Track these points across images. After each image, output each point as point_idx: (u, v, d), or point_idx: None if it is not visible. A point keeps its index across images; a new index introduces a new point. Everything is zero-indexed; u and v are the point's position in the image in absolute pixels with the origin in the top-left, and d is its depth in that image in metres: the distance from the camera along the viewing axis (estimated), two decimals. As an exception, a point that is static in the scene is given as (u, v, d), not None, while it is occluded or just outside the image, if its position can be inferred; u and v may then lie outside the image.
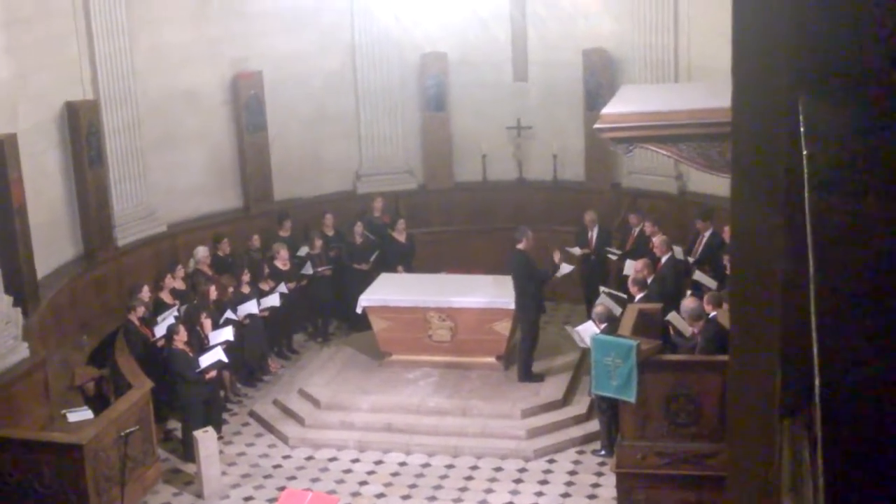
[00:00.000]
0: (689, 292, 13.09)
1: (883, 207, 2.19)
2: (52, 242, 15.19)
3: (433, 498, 12.49)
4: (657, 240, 14.34)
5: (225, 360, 13.50)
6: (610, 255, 15.83)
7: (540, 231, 15.45)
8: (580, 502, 12.26)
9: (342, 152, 18.84)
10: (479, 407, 13.84)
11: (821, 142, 2.33)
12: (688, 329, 11.69)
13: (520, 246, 14.10)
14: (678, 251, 14.53)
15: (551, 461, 13.08)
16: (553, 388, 14.10)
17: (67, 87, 15.60)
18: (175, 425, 14.09)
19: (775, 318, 3.08)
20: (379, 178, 18.78)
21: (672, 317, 12.06)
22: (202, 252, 16.01)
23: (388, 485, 12.77)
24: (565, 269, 14.84)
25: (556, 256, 14.68)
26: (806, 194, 2.28)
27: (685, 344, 11.73)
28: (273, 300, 15.41)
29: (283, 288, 15.67)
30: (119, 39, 16.12)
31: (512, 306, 14.19)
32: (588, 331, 12.58)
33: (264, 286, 15.58)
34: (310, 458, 13.50)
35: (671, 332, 12.07)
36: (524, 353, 14.27)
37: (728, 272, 12.75)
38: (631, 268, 14.02)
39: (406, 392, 14.30)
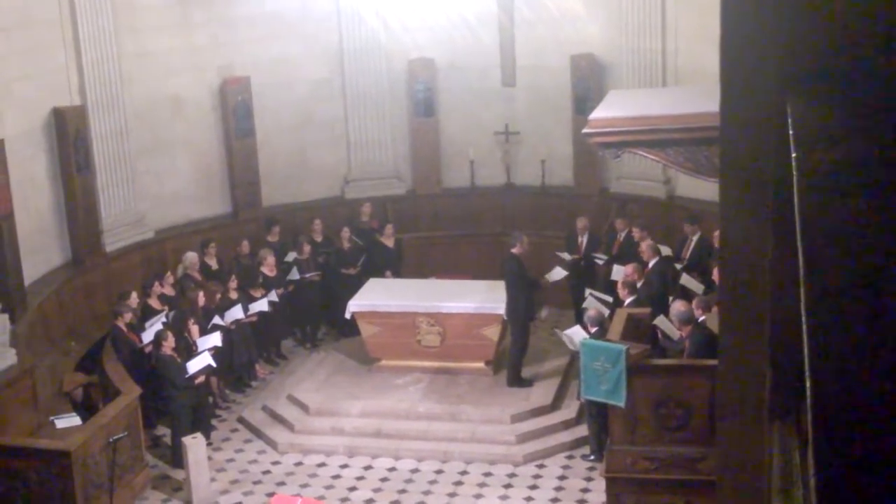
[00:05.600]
0: (671, 298, 13.11)
1: (872, 208, 2.19)
2: (39, 249, 15.15)
3: (422, 503, 12.48)
4: (645, 245, 14.36)
5: (213, 365, 13.49)
6: (597, 261, 15.87)
7: (528, 236, 15.45)
8: (570, 507, 12.28)
9: (330, 158, 18.85)
10: (469, 412, 13.83)
11: (809, 144, 2.34)
12: (676, 333, 11.71)
13: (513, 250, 14.10)
14: (666, 250, 14.57)
15: (541, 466, 13.08)
16: (542, 392, 14.10)
17: (55, 93, 15.58)
18: (163, 431, 14.06)
19: (765, 322, 3.08)
20: (367, 183, 18.79)
21: (660, 321, 12.08)
22: (192, 257, 15.98)
23: (377, 490, 12.76)
24: (559, 273, 14.88)
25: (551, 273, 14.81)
26: (795, 197, 2.28)
27: (674, 348, 11.74)
28: (261, 305, 15.39)
29: (273, 296, 15.64)
30: (106, 46, 16.10)
31: (500, 311, 14.19)
32: (578, 335, 12.59)
33: (255, 293, 15.56)
34: (299, 463, 13.47)
35: (660, 336, 12.09)
36: (514, 358, 14.27)
37: (715, 276, 12.78)
38: (619, 272, 14.04)
39: (395, 397, 14.29)
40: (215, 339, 13.87)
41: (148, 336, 13.86)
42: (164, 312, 14.54)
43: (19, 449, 11.73)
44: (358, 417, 14.01)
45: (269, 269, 16.05)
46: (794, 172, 2.32)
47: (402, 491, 12.71)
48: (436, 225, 18.76)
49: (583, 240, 16.16)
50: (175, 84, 17.30)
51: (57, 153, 15.62)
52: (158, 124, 17.28)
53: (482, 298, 14.63)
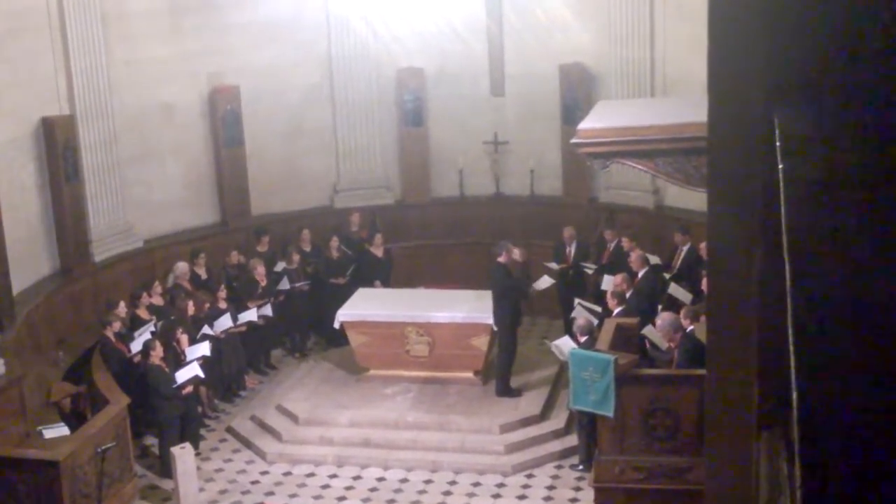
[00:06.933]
0: (659, 307, 13.12)
1: (858, 218, 2.20)
2: (28, 258, 15.10)
3: (411, 513, 12.48)
4: (634, 255, 14.38)
5: (201, 375, 13.46)
6: (586, 270, 15.87)
7: (517, 246, 15.45)
8: (559, 517, 12.27)
9: (319, 167, 18.82)
10: (458, 422, 13.81)
11: (796, 155, 2.35)
12: (664, 343, 11.71)
13: (500, 260, 14.10)
14: (655, 259, 14.59)
15: (530, 476, 13.07)
16: (531, 402, 14.09)
17: (43, 102, 15.54)
18: (152, 441, 14.02)
19: (752, 332, 3.09)
20: (356, 192, 18.77)
21: (648, 331, 12.08)
22: (182, 267, 15.94)
23: (366, 500, 12.73)
24: (545, 282, 14.88)
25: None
26: (782, 207, 2.29)
27: (662, 358, 11.75)
28: (250, 315, 15.36)
29: (268, 310, 15.59)
30: (95, 54, 16.07)
31: (489, 321, 14.18)
32: (567, 345, 12.58)
33: (252, 304, 15.53)
34: (288, 473, 13.44)
35: (648, 346, 12.10)
36: (502, 368, 14.26)
37: (704, 286, 12.79)
38: (609, 282, 14.04)
39: (384, 407, 14.27)
40: (204, 348, 13.84)
41: (136, 346, 13.83)
42: (153, 322, 14.50)
43: (7, 459, 11.68)
44: (347, 427, 13.98)
45: (259, 279, 16.03)
46: (781, 183, 2.32)
47: (391, 501, 12.69)
48: (425, 234, 18.74)
49: (570, 249, 16.17)
50: (164, 92, 17.24)
51: (45, 162, 15.58)
52: (148, 133, 17.23)
53: (471, 308, 14.62)
